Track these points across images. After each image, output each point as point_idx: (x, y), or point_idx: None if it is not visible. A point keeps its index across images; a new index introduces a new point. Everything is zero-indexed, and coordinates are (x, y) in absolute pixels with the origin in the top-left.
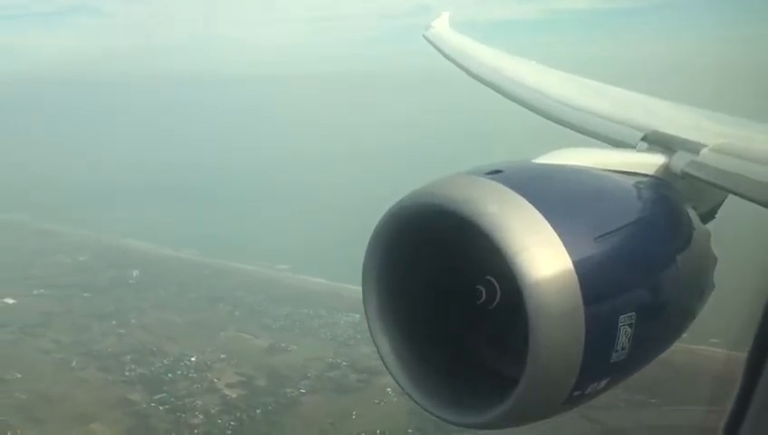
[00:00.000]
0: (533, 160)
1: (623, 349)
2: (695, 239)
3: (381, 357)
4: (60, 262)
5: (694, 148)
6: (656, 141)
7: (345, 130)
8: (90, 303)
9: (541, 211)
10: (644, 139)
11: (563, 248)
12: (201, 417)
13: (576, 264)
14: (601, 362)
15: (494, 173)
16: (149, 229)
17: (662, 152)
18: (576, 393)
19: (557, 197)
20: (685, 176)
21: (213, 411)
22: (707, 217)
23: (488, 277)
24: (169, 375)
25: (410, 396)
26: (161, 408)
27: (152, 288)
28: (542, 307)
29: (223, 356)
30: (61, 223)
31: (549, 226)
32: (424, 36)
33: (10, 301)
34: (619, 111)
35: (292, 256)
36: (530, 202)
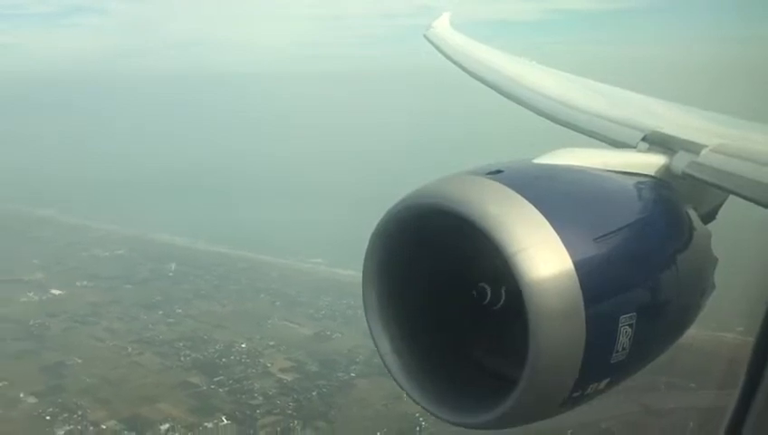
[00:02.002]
0: (534, 160)
1: (623, 349)
2: (695, 240)
3: (381, 357)
4: (97, 256)
5: (694, 148)
6: (656, 142)
7: (347, 129)
8: (134, 294)
9: (541, 211)
10: (644, 139)
11: (564, 249)
12: (260, 398)
13: (576, 264)
14: (602, 362)
15: (495, 173)
16: (179, 225)
17: (662, 153)
18: (576, 394)
19: (557, 197)
20: (685, 176)
21: (271, 393)
22: (708, 217)
23: (488, 278)
24: (223, 360)
25: (410, 396)
26: (221, 390)
27: (191, 280)
28: (542, 307)
29: (272, 343)
30: (88, 219)
31: (549, 226)
32: (424, 36)
33: (56, 292)
34: (620, 111)
35: (324, 251)
36: (530, 202)
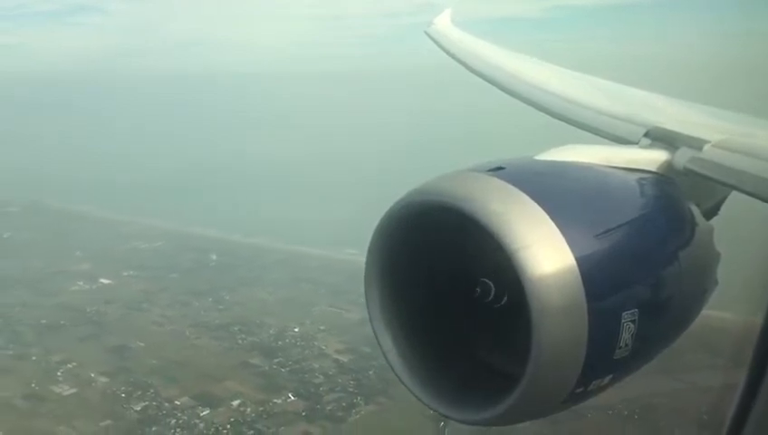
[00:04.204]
0: (535, 157)
1: (626, 346)
2: (697, 236)
3: (384, 354)
4: (137, 247)
5: (696, 144)
6: (658, 138)
7: (352, 128)
8: (180, 282)
9: (543, 208)
10: (647, 135)
11: (566, 245)
12: (321, 377)
13: (579, 261)
14: (604, 358)
15: (497, 170)
16: (206, 219)
17: (665, 149)
18: (579, 390)
19: (559, 193)
20: (687, 172)
21: (330, 373)
22: (710, 213)
23: (491, 274)
24: (279, 343)
25: (413, 393)
26: (283, 370)
27: (233, 270)
28: (544, 304)
29: (322, 327)
30: (124, 213)
31: (551, 222)
32: (426, 33)
33: (105, 281)
34: (622, 107)
35: (355, 242)
36: (532, 199)
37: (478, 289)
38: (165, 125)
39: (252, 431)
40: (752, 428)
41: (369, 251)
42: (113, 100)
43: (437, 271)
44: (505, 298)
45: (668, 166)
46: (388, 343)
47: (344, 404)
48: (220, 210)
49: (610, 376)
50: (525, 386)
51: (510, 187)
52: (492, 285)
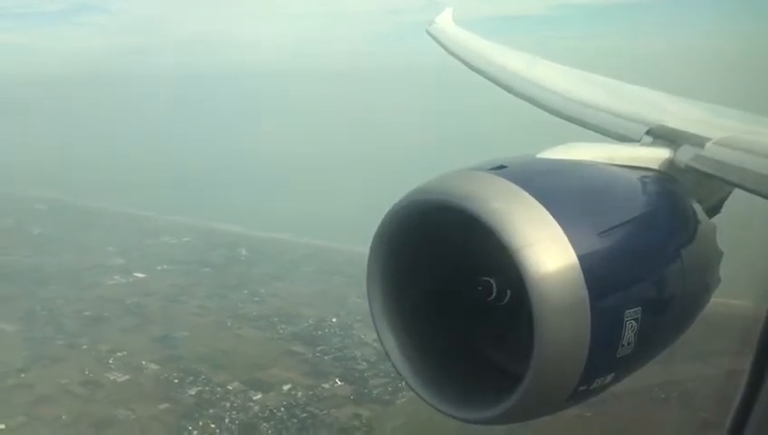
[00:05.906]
0: (537, 155)
1: (629, 344)
2: (700, 233)
3: (387, 353)
4: (167, 242)
5: (699, 142)
6: (661, 136)
7: (355, 127)
8: (213, 276)
9: (545, 206)
10: (649, 133)
11: (568, 243)
12: (365, 364)
13: (581, 259)
14: (607, 357)
15: (498, 168)
16: (231, 214)
17: (667, 146)
18: (581, 389)
19: (561, 191)
20: (689, 170)
21: (372, 360)
22: (713, 211)
23: (493, 273)
24: (319, 332)
25: (416, 392)
26: (326, 357)
27: (264, 264)
28: (547, 303)
29: (359, 318)
30: (144, 210)
31: (553, 221)
32: (427, 32)
33: (140, 275)
34: (624, 105)
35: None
36: (534, 197)
37: (480, 288)
38: (168, 123)
39: (305, 414)
40: (758, 416)
41: (371, 251)
42: (119, 99)
43: (440, 270)
44: (508, 297)
45: (671, 164)
46: (390, 341)
47: (390, 389)
48: (239, 207)
49: (613, 374)
50: (528, 385)
51: (512, 185)
52: (494, 283)
